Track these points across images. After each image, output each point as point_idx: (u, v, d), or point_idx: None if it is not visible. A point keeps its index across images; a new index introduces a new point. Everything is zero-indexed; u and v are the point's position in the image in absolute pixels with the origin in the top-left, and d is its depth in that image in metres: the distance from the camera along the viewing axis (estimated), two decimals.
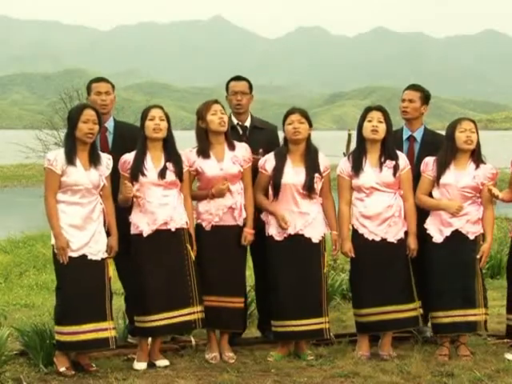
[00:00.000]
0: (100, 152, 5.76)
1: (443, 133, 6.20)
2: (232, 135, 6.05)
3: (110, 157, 5.80)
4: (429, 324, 6.41)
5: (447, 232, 5.93)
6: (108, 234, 5.71)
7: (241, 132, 6.35)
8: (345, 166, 6.07)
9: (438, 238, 5.95)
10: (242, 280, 6.08)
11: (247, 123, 6.40)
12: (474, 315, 5.92)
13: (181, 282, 5.73)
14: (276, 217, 5.90)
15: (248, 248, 6.13)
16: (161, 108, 5.87)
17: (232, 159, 5.93)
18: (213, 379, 5.46)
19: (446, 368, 5.65)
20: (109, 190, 5.75)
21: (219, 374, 5.55)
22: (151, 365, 5.77)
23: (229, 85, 6.43)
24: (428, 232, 5.98)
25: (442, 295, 5.94)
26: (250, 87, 6.43)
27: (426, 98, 6.41)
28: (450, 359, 5.89)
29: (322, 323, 5.93)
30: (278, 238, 5.94)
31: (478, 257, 5.94)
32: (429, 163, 6.04)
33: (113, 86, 6.29)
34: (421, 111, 6.40)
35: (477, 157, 6.00)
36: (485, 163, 6.01)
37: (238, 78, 6.47)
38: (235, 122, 6.32)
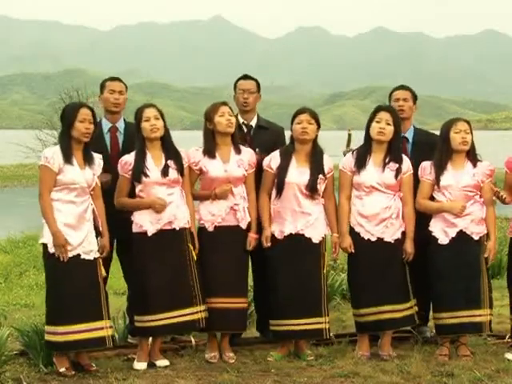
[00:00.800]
0: (92, 152, 5.71)
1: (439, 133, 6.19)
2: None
3: (101, 156, 5.79)
4: (429, 324, 6.41)
5: (452, 233, 5.91)
6: (97, 234, 5.69)
7: (245, 131, 6.34)
8: (348, 161, 6.06)
9: (443, 240, 5.92)
10: (246, 280, 6.08)
11: (253, 122, 6.39)
12: (480, 316, 5.91)
13: (183, 282, 5.72)
14: (265, 230, 5.93)
15: None
16: (154, 106, 5.85)
17: (237, 162, 5.93)
18: (213, 379, 5.46)
19: (446, 368, 5.64)
20: (100, 189, 5.73)
21: (219, 374, 5.54)
22: (151, 365, 5.76)
23: (237, 84, 6.44)
24: (433, 234, 5.95)
25: (446, 296, 5.91)
26: (258, 86, 6.44)
27: (415, 97, 6.44)
28: (450, 359, 5.88)
29: (321, 323, 5.92)
30: (278, 237, 5.94)
31: (486, 256, 5.94)
32: (426, 167, 6.02)
33: (126, 87, 6.32)
34: (413, 110, 6.42)
35: (472, 156, 6.00)
36: (481, 161, 6.01)
37: (246, 77, 6.49)
38: (241, 120, 6.31)
